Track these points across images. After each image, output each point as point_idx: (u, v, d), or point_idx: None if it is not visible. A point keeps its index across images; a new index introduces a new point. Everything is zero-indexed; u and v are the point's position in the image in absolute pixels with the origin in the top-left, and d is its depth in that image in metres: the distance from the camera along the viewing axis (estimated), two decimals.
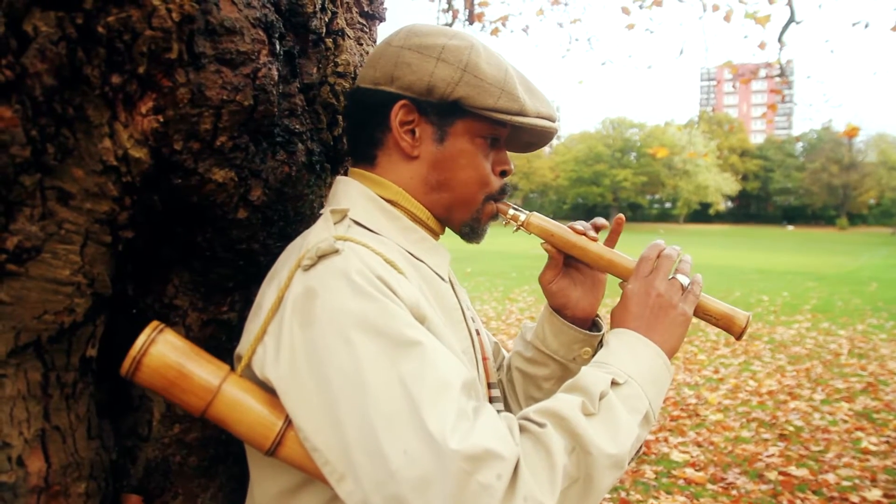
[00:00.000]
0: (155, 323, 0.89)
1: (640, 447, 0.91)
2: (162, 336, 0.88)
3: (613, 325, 1.03)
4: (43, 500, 0.87)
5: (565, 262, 1.15)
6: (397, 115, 0.99)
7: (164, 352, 0.87)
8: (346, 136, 1.17)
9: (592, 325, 1.19)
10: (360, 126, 1.05)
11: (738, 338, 1.04)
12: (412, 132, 1.00)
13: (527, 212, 1.11)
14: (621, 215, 1.14)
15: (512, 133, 1.07)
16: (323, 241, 0.87)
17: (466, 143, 1.01)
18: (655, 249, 1.05)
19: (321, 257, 0.86)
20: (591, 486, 0.80)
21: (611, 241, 1.13)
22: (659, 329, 0.99)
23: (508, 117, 0.98)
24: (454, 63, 0.97)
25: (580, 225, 1.11)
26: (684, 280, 1.03)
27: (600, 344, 1.17)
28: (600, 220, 1.12)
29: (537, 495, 0.76)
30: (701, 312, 1.04)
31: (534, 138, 1.09)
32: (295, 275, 0.87)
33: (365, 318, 0.81)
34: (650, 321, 0.99)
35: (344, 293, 0.83)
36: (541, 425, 0.82)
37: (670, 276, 1.03)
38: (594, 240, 1.10)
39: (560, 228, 1.10)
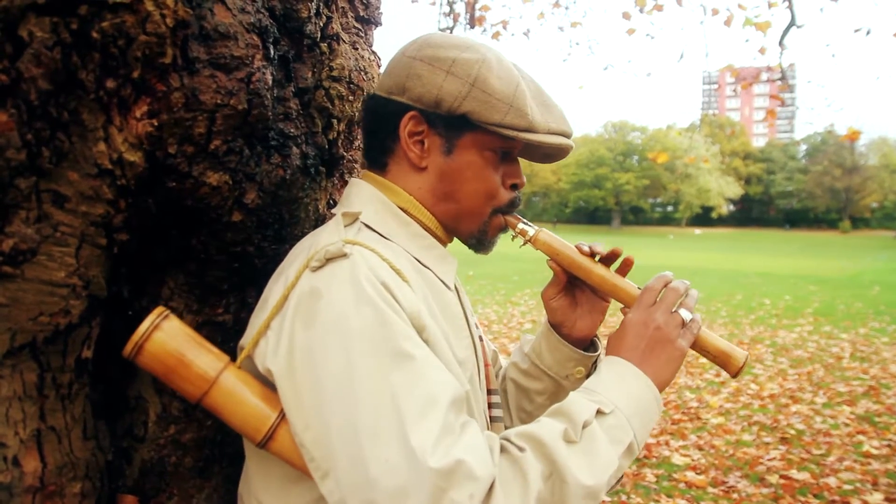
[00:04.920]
0: (160, 309, 0.91)
1: (621, 477, 0.92)
2: (166, 322, 0.90)
3: (609, 352, 1.03)
4: (38, 499, 0.88)
5: (569, 280, 1.15)
6: (406, 125, 1.00)
7: (165, 339, 0.89)
8: (362, 140, 1.18)
9: (590, 344, 1.19)
10: (373, 133, 1.07)
11: (734, 376, 1.03)
12: (421, 143, 1.01)
13: (535, 227, 1.10)
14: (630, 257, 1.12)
15: (526, 146, 1.05)
16: (332, 244, 0.89)
17: (474, 155, 1.01)
18: (662, 281, 1.04)
19: (329, 260, 0.88)
20: None
21: (607, 263, 1.11)
22: (653, 362, 0.98)
23: (515, 133, 0.98)
24: (463, 77, 0.97)
25: (587, 246, 1.10)
26: (686, 315, 1.02)
27: (594, 365, 1.18)
28: (617, 249, 1.10)
29: None
30: (699, 348, 1.03)
31: (550, 151, 1.07)
32: (303, 274, 0.89)
33: (364, 327, 0.83)
34: (645, 353, 0.99)
35: (347, 298, 0.85)
36: (520, 449, 0.84)
37: (673, 310, 1.02)
38: (593, 256, 1.08)
39: (566, 247, 1.10)
